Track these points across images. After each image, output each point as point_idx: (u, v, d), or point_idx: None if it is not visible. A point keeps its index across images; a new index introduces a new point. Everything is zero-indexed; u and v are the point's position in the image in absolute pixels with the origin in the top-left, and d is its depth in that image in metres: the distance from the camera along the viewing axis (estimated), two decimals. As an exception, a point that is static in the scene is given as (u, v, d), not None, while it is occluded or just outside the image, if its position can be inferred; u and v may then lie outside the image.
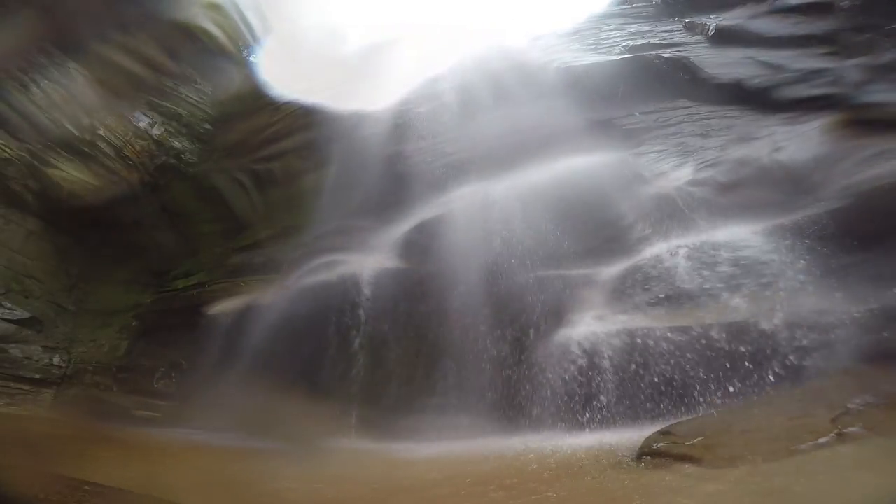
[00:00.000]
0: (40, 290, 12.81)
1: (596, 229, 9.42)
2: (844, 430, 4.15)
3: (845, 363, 5.41)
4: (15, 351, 11.84)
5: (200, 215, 15.41)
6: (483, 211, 10.20)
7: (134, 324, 13.54)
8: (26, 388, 11.63)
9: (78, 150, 13.66)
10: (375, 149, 13.28)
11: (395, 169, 12.88)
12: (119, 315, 13.65)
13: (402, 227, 11.25)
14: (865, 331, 5.76)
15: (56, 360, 12.45)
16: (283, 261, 12.72)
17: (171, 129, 16.21)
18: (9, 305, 11.96)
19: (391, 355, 9.80)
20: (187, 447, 8.99)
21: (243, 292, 12.40)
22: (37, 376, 11.95)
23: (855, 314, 6.02)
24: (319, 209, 13.25)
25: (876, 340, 5.52)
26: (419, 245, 10.60)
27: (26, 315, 12.19)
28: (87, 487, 2.77)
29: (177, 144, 16.24)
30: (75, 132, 13.68)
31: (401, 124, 13.69)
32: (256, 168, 15.28)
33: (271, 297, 11.23)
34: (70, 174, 13.45)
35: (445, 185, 11.66)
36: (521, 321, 8.71)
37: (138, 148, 15.16)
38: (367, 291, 10.22)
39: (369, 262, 10.84)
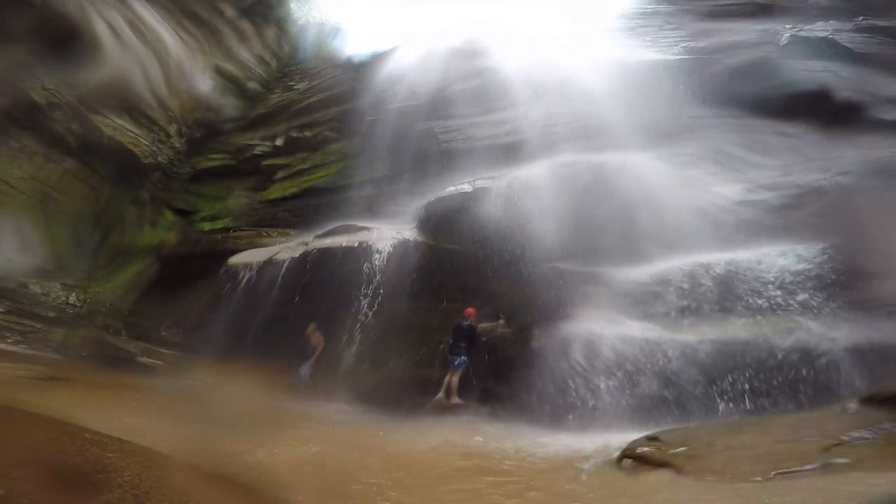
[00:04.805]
0: (68, 225, 13.12)
1: (616, 229, 9.20)
2: (832, 461, 4.04)
3: (844, 398, 5.22)
4: (35, 287, 12.10)
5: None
6: (505, 195, 10.11)
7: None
8: (39, 325, 11.80)
9: (124, 100, 13.97)
10: (407, 123, 13.36)
11: (424, 144, 12.92)
12: (141, 255, 13.85)
13: (422, 201, 11.29)
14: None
15: (72, 299, 12.65)
16: (305, 217, 12.99)
17: (226, 90, 16.54)
18: (37, 240, 12.16)
19: (399, 325, 9.90)
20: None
21: (265, 244, 12.71)
22: (51, 314, 12.12)
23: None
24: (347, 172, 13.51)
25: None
26: (437, 220, 10.66)
27: (51, 250, 12.41)
28: (86, 435, 2.76)
29: (223, 102, 16.57)
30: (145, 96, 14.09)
31: (437, 103, 13.69)
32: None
33: (290, 255, 11.46)
34: (112, 120, 13.82)
35: (472, 165, 11.60)
36: (527, 311, 8.69)
37: (188, 109, 15.49)
38: (382, 259, 10.37)
39: (386, 231, 10.94)
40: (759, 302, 7.11)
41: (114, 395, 8.31)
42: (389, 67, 15.62)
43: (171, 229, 14.59)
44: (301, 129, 15.75)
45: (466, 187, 10.78)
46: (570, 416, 7.23)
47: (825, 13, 12.88)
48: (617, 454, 5.16)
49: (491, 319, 9.21)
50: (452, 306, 9.43)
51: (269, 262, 11.55)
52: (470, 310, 9.10)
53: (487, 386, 8.66)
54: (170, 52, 14.62)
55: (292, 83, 18.08)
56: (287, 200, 14.14)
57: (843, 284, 6.92)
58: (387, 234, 10.87)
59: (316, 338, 10.17)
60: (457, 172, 11.48)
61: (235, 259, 12.15)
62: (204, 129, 16.27)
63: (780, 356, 6.25)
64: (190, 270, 12.80)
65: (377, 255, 10.44)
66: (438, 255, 10.18)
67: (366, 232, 11.08)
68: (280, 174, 14.90)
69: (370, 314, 10.05)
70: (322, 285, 10.51)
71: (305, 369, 9.97)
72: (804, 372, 6.05)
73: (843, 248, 7.35)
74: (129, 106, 14.17)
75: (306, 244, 11.50)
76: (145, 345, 11.79)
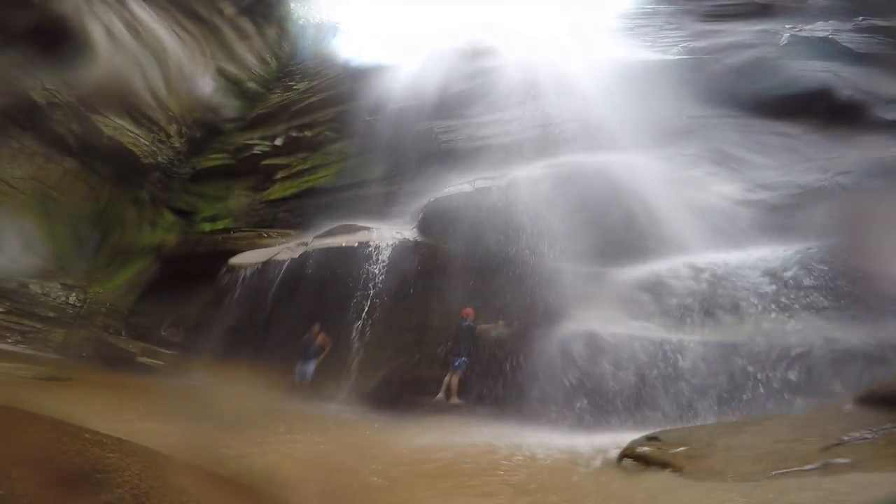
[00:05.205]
0: (68, 225, 13.13)
1: (615, 229, 9.19)
2: (832, 461, 4.04)
3: (844, 398, 5.22)
4: (35, 287, 12.11)
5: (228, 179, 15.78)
6: (505, 196, 10.11)
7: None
8: (39, 325, 11.82)
9: (124, 101, 13.99)
10: (407, 123, 13.36)
11: (424, 144, 12.92)
12: (141, 255, 13.84)
13: (422, 201, 11.29)
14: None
15: (72, 299, 12.66)
16: (305, 218, 13.01)
17: (226, 90, 16.58)
18: (37, 240, 12.17)
19: (399, 325, 9.90)
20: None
21: (265, 244, 12.71)
22: (51, 314, 12.13)
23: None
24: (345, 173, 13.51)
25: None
26: (437, 220, 10.63)
27: (51, 250, 12.43)
28: (87, 435, 2.76)
29: (223, 102, 16.62)
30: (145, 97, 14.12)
31: (437, 103, 13.69)
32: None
33: (290, 255, 11.45)
34: (112, 120, 13.83)
35: (472, 165, 11.59)
36: (526, 311, 8.69)
37: (188, 109, 15.52)
38: (382, 260, 10.35)
39: (386, 231, 10.94)
40: (759, 302, 7.11)
41: (114, 395, 8.31)
42: (389, 68, 15.63)
43: (171, 230, 14.59)
44: (301, 129, 15.79)
45: (466, 187, 10.78)
46: (570, 417, 7.22)
47: (825, 13, 12.88)
48: (617, 454, 5.16)
49: (491, 320, 9.21)
50: (452, 306, 9.41)
51: (270, 263, 11.53)
52: (469, 310, 9.09)
53: (487, 386, 8.64)
54: (168, 52, 14.63)
55: (292, 83, 18.14)
56: (287, 201, 14.14)
57: (842, 284, 6.91)
58: (387, 234, 10.85)
59: (322, 339, 10.18)
60: (457, 172, 11.48)
61: (236, 260, 12.14)
62: (204, 129, 16.29)
63: (779, 356, 6.25)
64: (190, 271, 12.79)
65: (377, 255, 10.43)
66: (438, 256, 10.17)
67: (366, 232, 11.07)
68: (280, 174, 14.91)
69: (370, 314, 10.03)
70: (322, 285, 10.50)
71: (309, 369, 9.97)
72: (804, 372, 6.06)
73: (842, 248, 7.35)
74: (128, 106, 14.18)
75: (306, 244, 11.50)
76: (145, 345, 11.78)
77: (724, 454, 4.44)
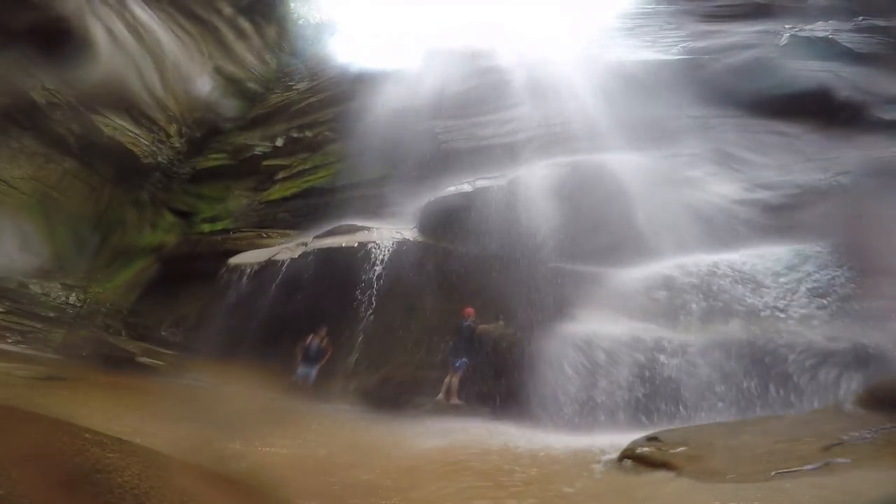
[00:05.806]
0: (68, 225, 13.12)
1: (615, 229, 9.19)
2: (832, 461, 4.04)
3: (843, 398, 5.23)
4: (35, 287, 12.11)
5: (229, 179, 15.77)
6: (506, 195, 10.11)
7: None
8: (39, 325, 11.83)
9: (124, 100, 13.99)
10: (407, 123, 13.34)
11: (424, 144, 12.91)
12: (141, 256, 13.82)
13: (422, 201, 11.27)
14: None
15: (72, 299, 12.66)
16: (306, 218, 13.01)
17: (225, 90, 16.58)
18: (37, 240, 12.17)
19: (399, 325, 9.90)
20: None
21: (265, 244, 12.70)
22: (51, 314, 12.14)
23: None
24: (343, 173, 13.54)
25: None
26: (437, 220, 10.66)
27: (51, 250, 12.44)
28: (87, 435, 2.73)
29: (222, 102, 16.63)
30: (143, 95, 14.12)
31: (437, 103, 13.69)
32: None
33: (289, 255, 11.44)
34: (112, 120, 13.84)
35: (472, 165, 11.59)
36: (527, 311, 8.68)
37: (187, 109, 15.51)
38: (382, 259, 10.34)
39: (386, 231, 10.94)
40: (758, 302, 7.12)
41: (114, 395, 8.30)
42: (389, 68, 15.63)
43: (171, 231, 14.59)
44: (301, 129, 15.78)
45: (466, 187, 10.79)
46: (570, 417, 7.22)
47: (825, 13, 12.86)
48: (617, 454, 5.16)
49: (491, 320, 9.20)
50: (452, 306, 9.42)
51: (269, 263, 11.53)
52: (469, 310, 9.10)
53: (487, 387, 8.64)
54: (165, 52, 14.61)
55: (292, 83, 18.15)
56: (287, 201, 14.13)
57: (842, 284, 6.92)
58: (387, 234, 10.85)
59: (325, 343, 10.17)
60: (457, 172, 11.48)
61: (235, 260, 12.13)
62: (204, 129, 16.30)
63: (779, 356, 6.27)
64: (190, 271, 12.77)
65: (377, 255, 10.43)
66: (438, 256, 10.18)
67: (366, 232, 11.06)
68: (281, 175, 14.90)
69: (370, 314, 10.03)
70: (322, 286, 10.50)
71: (312, 372, 9.95)
72: (803, 372, 6.06)
73: (842, 248, 7.36)
74: (128, 106, 14.18)
75: (306, 244, 11.49)
76: (145, 345, 11.74)
77: (724, 454, 4.44)
